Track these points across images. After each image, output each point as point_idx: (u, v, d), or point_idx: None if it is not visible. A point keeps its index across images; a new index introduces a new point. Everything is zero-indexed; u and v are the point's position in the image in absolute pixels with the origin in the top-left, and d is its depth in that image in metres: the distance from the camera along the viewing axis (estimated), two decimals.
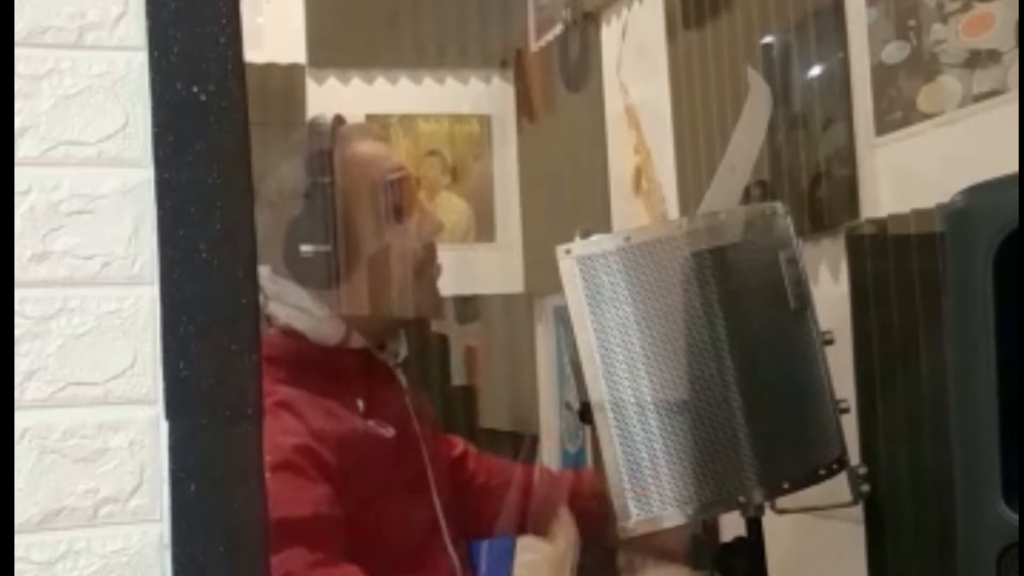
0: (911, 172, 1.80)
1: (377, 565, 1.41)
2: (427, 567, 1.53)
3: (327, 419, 1.44)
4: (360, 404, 1.50)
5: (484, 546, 1.76)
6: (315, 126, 1.51)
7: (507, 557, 1.77)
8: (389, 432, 1.50)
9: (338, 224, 1.47)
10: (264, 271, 1.47)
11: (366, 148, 1.56)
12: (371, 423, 1.49)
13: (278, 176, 1.51)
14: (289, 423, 1.40)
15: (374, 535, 1.45)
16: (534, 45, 3.26)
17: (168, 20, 0.83)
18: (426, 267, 1.57)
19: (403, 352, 1.60)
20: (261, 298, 1.43)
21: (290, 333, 1.50)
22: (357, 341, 1.53)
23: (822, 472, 1.41)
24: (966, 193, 1.12)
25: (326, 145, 1.47)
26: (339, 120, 1.53)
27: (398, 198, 1.53)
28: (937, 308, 1.63)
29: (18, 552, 0.79)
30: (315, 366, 1.49)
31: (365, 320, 1.53)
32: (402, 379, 1.60)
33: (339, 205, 1.47)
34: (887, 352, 1.78)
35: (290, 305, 1.49)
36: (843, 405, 1.46)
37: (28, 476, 0.80)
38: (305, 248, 1.46)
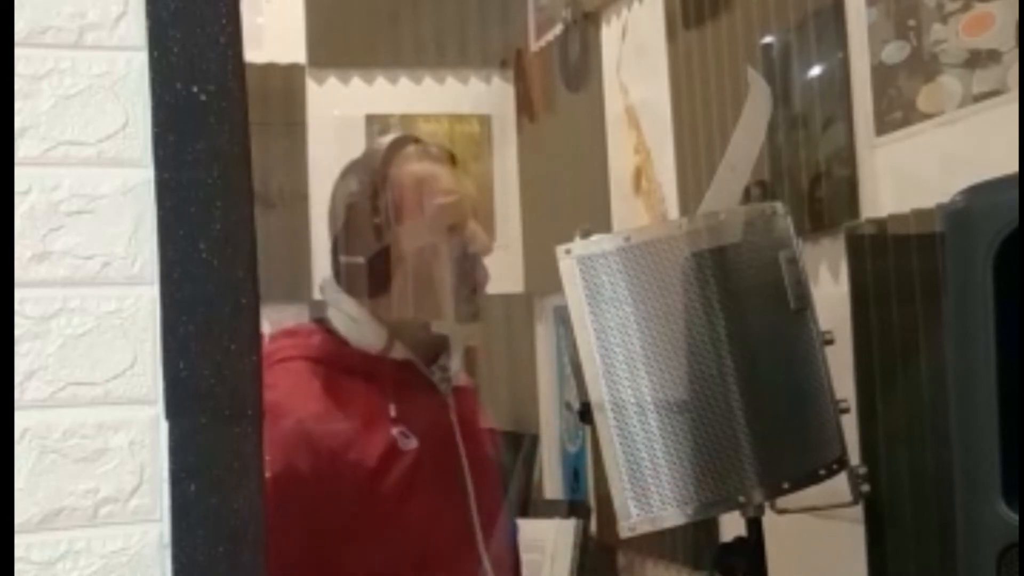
0: (911, 172, 1.80)
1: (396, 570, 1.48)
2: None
3: (344, 422, 1.50)
4: (392, 409, 1.54)
5: None
6: (373, 148, 1.62)
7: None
8: (411, 444, 1.53)
9: (384, 239, 1.55)
10: (327, 279, 1.59)
11: (418, 169, 1.61)
12: (396, 431, 1.53)
13: (338, 189, 1.61)
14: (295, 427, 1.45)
15: (388, 544, 1.48)
16: (534, 45, 3.26)
17: (168, 20, 0.83)
18: (467, 280, 1.62)
19: (455, 367, 1.63)
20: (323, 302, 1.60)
21: (336, 337, 1.57)
22: (400, 352, 1.57)
23: (822, 472, 1.41)
24: (966, 193, 1.12)
25: (381, 164, 1.57)
26: (401, 141, 1.61)
27: (445, 220, 1.58)
28: (937, 308, 1.63)
29: (18, 552, 0.79)
30: (352, 369, 1.55)
31: (410, 334, 1.59)
32: (448, 395, 1.62)
33: (387, 222, 1.55)
34: (887, 352, 1.78)
35: (341, 311, 1.58)
36: (843, 405, 1.46)
37: (28, 476, 0.80)
38: (351, 259, 1.57)
